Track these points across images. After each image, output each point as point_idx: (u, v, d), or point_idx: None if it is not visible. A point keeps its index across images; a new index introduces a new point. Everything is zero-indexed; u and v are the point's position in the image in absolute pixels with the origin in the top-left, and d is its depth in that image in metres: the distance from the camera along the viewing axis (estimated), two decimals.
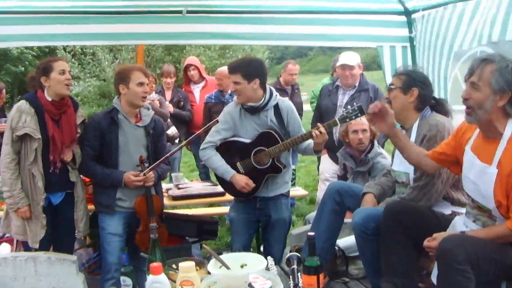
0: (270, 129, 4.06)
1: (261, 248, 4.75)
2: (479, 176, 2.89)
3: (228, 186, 4.27)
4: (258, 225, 4.46)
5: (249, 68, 4.02)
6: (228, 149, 4.16)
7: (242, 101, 4.07)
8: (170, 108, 6.62)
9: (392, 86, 3.55)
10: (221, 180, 4.31)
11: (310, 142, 4.03)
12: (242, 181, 4.07)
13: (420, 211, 3.29)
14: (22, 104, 3.90)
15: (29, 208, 3.89)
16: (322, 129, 3.84)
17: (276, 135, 4.02)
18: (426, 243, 2.99)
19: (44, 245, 3.94)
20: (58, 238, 4.14)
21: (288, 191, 4.37)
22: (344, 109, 4.18)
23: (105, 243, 4.08)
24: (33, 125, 3.84)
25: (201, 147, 4.26)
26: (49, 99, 3.93)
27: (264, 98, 4.06)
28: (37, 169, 3.87)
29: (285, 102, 4.21)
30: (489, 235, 2.80)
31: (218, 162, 4.15)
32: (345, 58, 5.48)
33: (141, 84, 4.00)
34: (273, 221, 4.23)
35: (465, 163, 3.02)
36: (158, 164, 4.10)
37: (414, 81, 3.49)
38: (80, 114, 4.17)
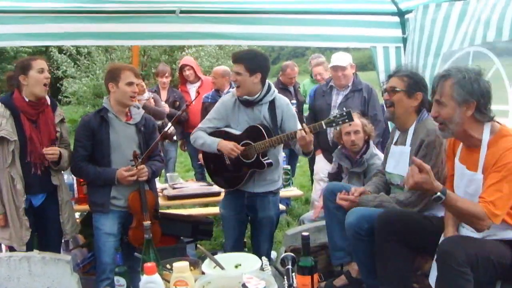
0: (260, 124, 4.05)
1: None
2: (468, 185, 2.96)
3: (217, 176, 4.33)
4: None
5: (254, 61, 4.00)
6: (218, 138, 4.15)
7: (242, 93, 4.05)
8: (166, 108, 6.61)
9: (396, 89, 3.50)
10: (211, 172, 4.36)
11: None
12: (229, 145, 4.03)
13: (412, 217, 3.30)
14: None
15: (4, 217, 3.85)
16: (307, 130, 3.81)
17: (264, 130, 4.00)
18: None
19: (29, 247, 3.91)
20: (43, 239, 4.12)
21: (278, 189, 4.36)
22: (332, 113, 4.17)
23: (100, 243, 4.06)
24: (9, 127, 3.82)
25: (191, 133, 4.29)
26: (26, 99, 3.91)
27: (261, 93, 4.06)
28: (16, 171, 3.84)
29: (282, 100, 4.19)
30: (463, 207, 2.77)
31: (203, 137, 4.17)
32: (336, 59, 5.47)
33: (130, 83, 4.01)
34: (259, 219, 4.24)
35: (456, 174, 3.08)
36: (148, 154, 4.10)
37: (418, 85, 3.48)
38: (58, 113, 4.15)
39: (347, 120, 3.81)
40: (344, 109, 3.85)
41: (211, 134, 4.19)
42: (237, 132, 4.12)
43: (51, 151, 3.95)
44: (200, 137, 4.19)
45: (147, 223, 3.12)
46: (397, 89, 3.49)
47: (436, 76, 3.01)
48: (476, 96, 2.84)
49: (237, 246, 4.31)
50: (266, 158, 4.08)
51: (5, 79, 4.14)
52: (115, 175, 3.99)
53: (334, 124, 3.86)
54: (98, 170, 4.03)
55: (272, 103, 4.12)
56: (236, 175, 4.15)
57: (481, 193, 2.81)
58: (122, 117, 4.11)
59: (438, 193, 2.73)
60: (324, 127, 3.87)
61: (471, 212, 2.75)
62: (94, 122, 4.03)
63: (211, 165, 4.33)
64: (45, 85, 3.93)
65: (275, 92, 4.16)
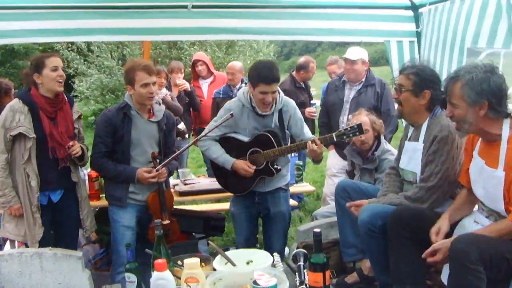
0: (268, 132, 4.06)
1: None
2: (488, 181, 2.91)
3: (226, 182, 4.34)
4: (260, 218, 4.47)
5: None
6: (225, 144, 4.18)
7: (269, 110, 4.07)
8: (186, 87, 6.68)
9: (402, 89, 3.43)
10: (219, 177, 4.37)
11: None
12: (244, 167, 4.07)
13: (424, 214, 3.27)
14: (15, 102, 3.87)
15: (21, 206, 3.86)
16: (318, 142, 3.85)
17: (273, 139, 4.03)
18: (429, 258, 2.96)
19: (46, 244, 3.89)
20: (60, 236, 4.13)
21: (287, 184, 4.37)
22: (342, 126, 4.18)
23: (119, 236, 4.07)
24: (27, 124, 3.82)
25: (200, 140, 4.28)
26: (44, 96, 3.90)
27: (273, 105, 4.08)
28: (32, 168, 3.84)
29: (290, 104, 4.19)
30: (492, 233, 2.79)
31: (217, 152, 4.17)
32: (348, 52, 5.45)
33: (145, 85, 3.95)
34: (272, 215, 4.25)
35: (474, 168, 3.04)
36: (170, 160, 4.11)
37: (425, 83, 3.37)
38: (75, 110, 4.15)
39: (357, 133, 3.87)
40: (355, 122, 3.87)
41: (220, 139, 4.20)
42: (246, 139, 4.12)
43: (74, 148, 3.95)
44: (213, 150, 4.18)
45: (157, 220, 3.11)
46: (403, 88, 3.43)
47: (447, 78, 2.98)
48: (486, 96, 2.80)
49: (250, 241, 4.31)
50: (275, 165, 4.11)
51: (23, 75, 4.13)
52: (135, 175, 4.01)
53: (344, 137, 3.91)
54: (119, 168, 4.03)
55: (281, 110, 4.14)
56: (245, 181, 4.16)
57: (508, 203, 2.78)
58: (144, 114, 4.10)
59: None
60: (335, 139, 3.92)
61: (503, 232, 2.77)
62: (116, 119, 4.02)
63: (220, 171, 4.31)
64: (59, 82, 3.91)
65: (283, 99, 4.16)
